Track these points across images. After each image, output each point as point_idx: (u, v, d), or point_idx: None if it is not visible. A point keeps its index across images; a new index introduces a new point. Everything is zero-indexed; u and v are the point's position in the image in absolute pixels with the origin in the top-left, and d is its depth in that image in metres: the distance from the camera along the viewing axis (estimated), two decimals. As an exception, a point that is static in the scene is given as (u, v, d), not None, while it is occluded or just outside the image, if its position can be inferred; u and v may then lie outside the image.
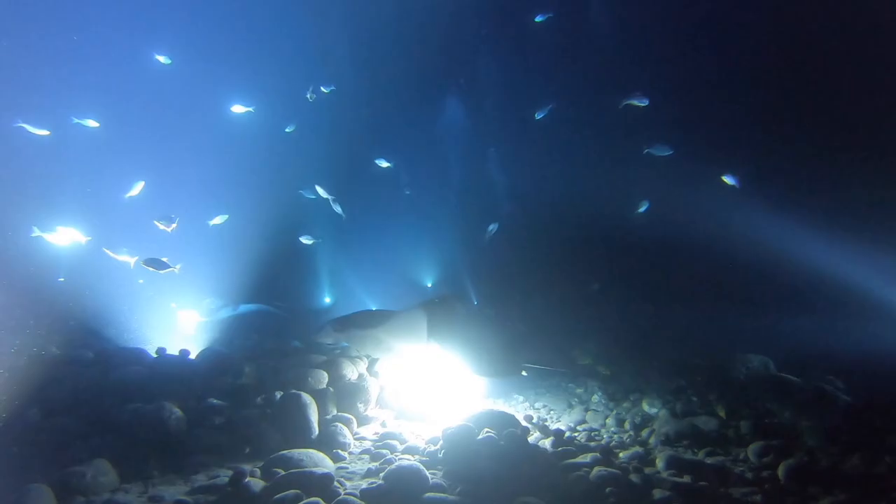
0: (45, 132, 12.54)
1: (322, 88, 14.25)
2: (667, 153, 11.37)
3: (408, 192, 16.93)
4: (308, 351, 9.91)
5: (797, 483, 6.16)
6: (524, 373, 9.65)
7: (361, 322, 9.59)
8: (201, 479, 6.18)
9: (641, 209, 12.74)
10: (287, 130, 15.54)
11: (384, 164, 14.95)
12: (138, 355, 8.85)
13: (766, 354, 9.44)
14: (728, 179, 11.36)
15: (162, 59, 14.77)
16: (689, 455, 7.30)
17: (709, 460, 7.07)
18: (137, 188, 12.71)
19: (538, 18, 14.17)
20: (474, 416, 7.65)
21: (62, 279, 12.50)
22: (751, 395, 8.57)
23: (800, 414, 7.90)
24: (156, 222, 11.00)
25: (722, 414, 8.28)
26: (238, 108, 14.69)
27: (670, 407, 8.91)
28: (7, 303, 10.53)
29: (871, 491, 5.91)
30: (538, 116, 13.30)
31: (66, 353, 9.30)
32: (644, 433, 8.32)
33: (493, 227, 13.75)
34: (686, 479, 6.34)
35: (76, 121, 13.11)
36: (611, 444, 7.77)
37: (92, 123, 13.23)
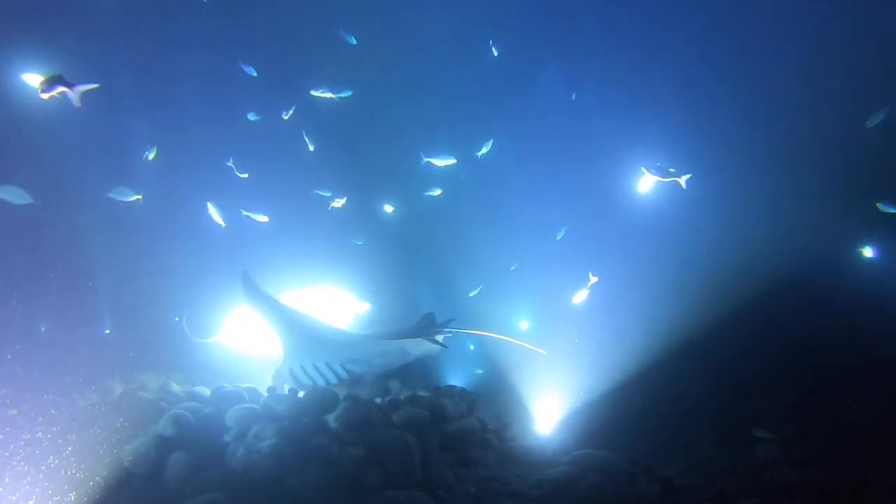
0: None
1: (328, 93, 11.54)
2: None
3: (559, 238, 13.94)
4: (411, 391, 9.98)
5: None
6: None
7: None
8: (313, 517, 6.39)
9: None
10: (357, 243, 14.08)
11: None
12: (250, 394, 9.33)
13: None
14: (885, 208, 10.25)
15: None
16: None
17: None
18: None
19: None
20: (577, 460, 7.48)
21: (177, 318, 13.33)
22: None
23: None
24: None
25: None
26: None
27: (789, 453, 8.24)
28: (135, 341, 11.50)
29: None
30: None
31: (184, 390, 9.96)
32: (762, 481, 7.72)
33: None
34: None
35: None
36: (726, 492, 7.28)
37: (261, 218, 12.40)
